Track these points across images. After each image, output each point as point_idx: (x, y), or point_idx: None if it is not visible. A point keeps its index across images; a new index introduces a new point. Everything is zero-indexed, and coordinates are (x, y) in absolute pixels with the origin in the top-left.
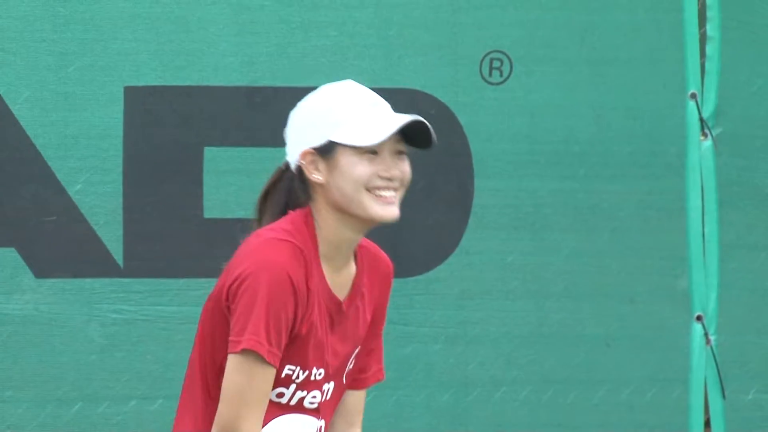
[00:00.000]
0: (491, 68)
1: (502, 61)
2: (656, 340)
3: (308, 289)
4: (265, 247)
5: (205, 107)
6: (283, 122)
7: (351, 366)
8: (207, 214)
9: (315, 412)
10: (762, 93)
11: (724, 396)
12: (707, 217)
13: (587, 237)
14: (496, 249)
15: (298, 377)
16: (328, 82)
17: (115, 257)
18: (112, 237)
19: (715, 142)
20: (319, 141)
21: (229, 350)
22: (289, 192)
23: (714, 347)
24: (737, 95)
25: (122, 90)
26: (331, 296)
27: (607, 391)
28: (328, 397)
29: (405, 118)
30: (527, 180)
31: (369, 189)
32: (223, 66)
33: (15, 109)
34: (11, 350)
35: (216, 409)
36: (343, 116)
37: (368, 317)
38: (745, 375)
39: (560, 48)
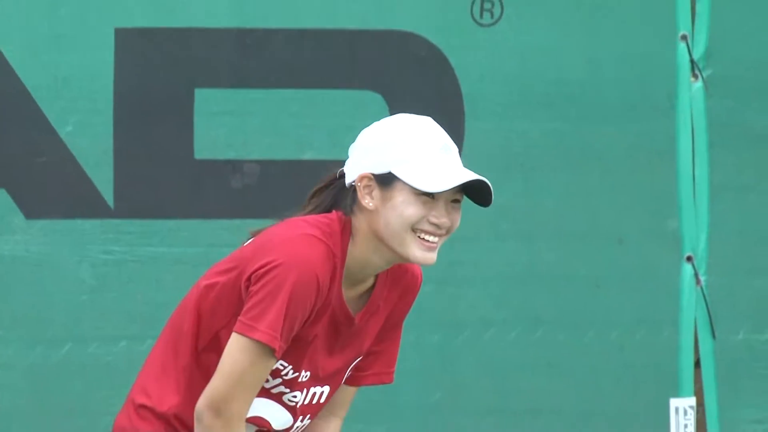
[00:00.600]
0: (482, 10)
1: (493, 3)
2: (646, 280)
3: (328, 294)
4: (301, 242)
5: (196, 49)
6: (274, 63)
7: (349, 372)
8: (197, 156)
9: (291, 410)
10: (753, 34)
11: (714, 336)
12: (697, 159)
13: (577, 178)
14: None
15: (287, 374)
16: (319, 24)
17: (106, 198)
18: (103, 178)
19: (706, 83)
20: (381, 169)
21: (237, 329)
22: (335, 199)
23: (704, 288)
24: (728, 37)
25: (113, 32)
26: (344, 309)
27: (597, 332)
28: (321, 401)
29: (470, 175)
30: (518, 121)
31: (415, 230)
32: (213, 8)
33: (6, 51)
34: (1, 291)
35: (200, 378)
36: (411, 153)
37: (377, 328)
38: (734, 315)
39: None
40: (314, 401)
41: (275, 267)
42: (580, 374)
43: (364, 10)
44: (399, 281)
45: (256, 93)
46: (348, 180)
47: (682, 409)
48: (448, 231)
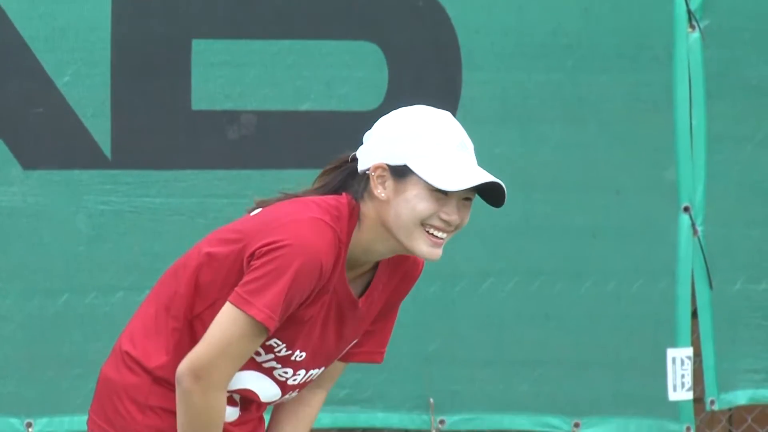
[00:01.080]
0: None
1: None
2: (643, 231)
3: (329, 278)
4: (310, 226)
5: (194, 0)
6: (272, 14)
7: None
8: (195, 106)
9: (281, 384)
10: None
11: (711, 286)
12: (695, 109)
13: (574, 129)
14: (483, 141)
15: (280, 352)
16: None
17: (103, 149)
18: (100, 129)
19: (703, 34)
20: (397, 161)
21: (233, 300)
22: (344, 182)
23: (701, 238)
24: None
25: None
26: (349, 294)
27: (594, 282)
28: (311, 380)
29: (486, 177)
30: (515, 72)
31: (424, 224)
32: None
33: (2, 2)
34: None
35: (189, 342)
36: (428, 149)
37: (376, 310)
38: (731, 265)
39: None
40: (308, 380)
41: (281, 247)
42: (577, 324)
43: None
44: (400, 266)
45: (253, 44)
46: (361, 166)
47: (679, 359)
48: (456, 228)
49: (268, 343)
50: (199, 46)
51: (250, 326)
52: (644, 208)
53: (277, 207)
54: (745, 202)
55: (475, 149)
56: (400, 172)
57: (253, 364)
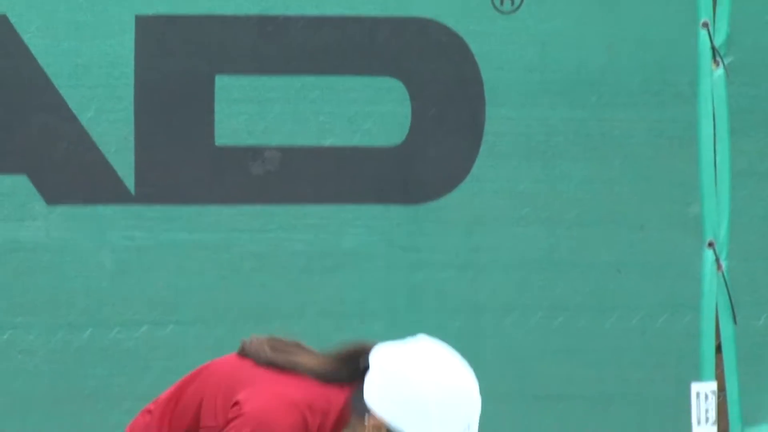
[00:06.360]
0: None
1: None
2: (667, 266)
3: None
4: (276, 403)
5: (217, 36)
6: (294, 50)
7: None
8: (218, 142)
9: None
10: None
11: (735, 321)
12: (719, 145)
13: (598, 165)
14: (507, 177)
15: None
16: (340, 11)
17: (127, 184)
18: (124, 164)
19: (727, 70)
20: (396, 422)
21: None
22: (348, 375)
23: (725, 273)
24: (749, 24)
25: (133, 19)
26: None
27: (618, 317)
28: None
29: None
30: (538, 108)
31: None
32: None
33: (26, 38)
34: (23, 277)
35: None
36: (432, 424)
37: None
38: (756, 300)
39: None
40: None
41: (237, 416)
42: (601, 359)
43: None
44: None
45: (276, 80)
46: (365, 395)
47: (703, 394)
48: None
49: None
50: (222, 81)
51: None
52: (668, 243)
53: (267, 380)
54: None
55: (498, 185)
56: None
57: None
